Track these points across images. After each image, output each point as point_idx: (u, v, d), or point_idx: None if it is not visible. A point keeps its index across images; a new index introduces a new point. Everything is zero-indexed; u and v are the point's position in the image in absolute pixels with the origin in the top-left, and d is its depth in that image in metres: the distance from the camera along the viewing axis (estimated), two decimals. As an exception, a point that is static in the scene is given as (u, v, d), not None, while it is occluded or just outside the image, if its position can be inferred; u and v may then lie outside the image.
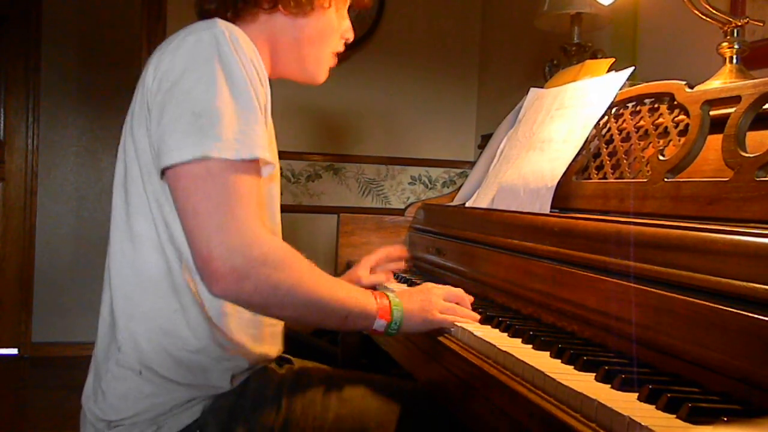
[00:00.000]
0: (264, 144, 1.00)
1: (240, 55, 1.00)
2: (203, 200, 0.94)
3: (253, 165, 0.99)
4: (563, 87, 1.53)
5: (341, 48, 1.26)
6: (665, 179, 1.06)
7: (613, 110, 1.31)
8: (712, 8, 1.31)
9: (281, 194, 1.20)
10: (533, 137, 1.51)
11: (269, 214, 1.13)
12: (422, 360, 1.19)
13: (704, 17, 1.32)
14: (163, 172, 0.99)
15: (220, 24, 1.02)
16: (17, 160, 4.09)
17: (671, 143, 1.11)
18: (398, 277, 1.63)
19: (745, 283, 0.75)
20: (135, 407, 1.05)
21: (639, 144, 1.18)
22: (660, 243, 0.90)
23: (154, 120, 1.00)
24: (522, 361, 0.89)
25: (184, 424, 1.06)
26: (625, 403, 0.73)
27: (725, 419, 0.67)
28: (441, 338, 1.12)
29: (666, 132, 1.14)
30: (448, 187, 3.62)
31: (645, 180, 1.10)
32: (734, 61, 1.30)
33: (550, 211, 1.29)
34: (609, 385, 0.79)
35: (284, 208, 1.20)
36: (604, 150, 1.27)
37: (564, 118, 1.43)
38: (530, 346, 0.99)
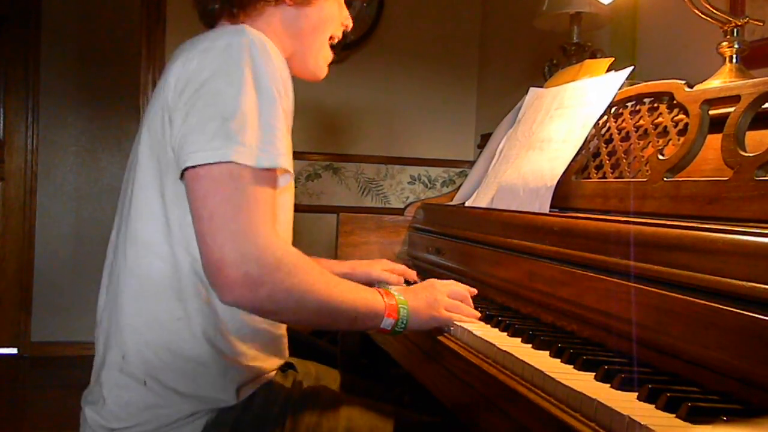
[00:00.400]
0: (286, 153, 1.00)
1: (270, 64, 1.00)
2: (221, 204, 0.93)
3: (273, 174, 0.99)
4: (563, 86, 1.53)
5: (340, 35, 1.26)
6: (665, 179, 1.06)
7: (613, 110, 1.31)
8: (712, 8, 1.31)
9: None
10: (533, 137, 1.51)
11: (283, 224, 1.12)
12: (422, 359, 1.19)
13: (704, 17, 1.32)
14: (182, 173, 0.98)
15: (250, 31, 1.02)
16: (17, 159, 4.09)
17: (671, 143, 1.11)
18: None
19: (744, 283, 0.75)
20: (137, 417, 1.03)
21: (638, 143, 1.18)
22: (659, 242, 0.89)
23: (178, 119, 0.99)
24: (521, 361, 0.89)
25: None
26: (625, 402, 0.73)
27: (725, 419, 0.67)
28: (440, 337, 1.12)
29: (665, 131, 1.14)
30: (447, 187, 3.62)
31: (644, 179, 1.10)
32: (734, 60, 1.30)
33: (550, 211, 1.28)
34: (608, 385, 0.79)
35: (284, 208, 1.19)
36: (604, 149, 1.27)
37: (563, 117, 1.43)
38: (530, 345, 0.99)
